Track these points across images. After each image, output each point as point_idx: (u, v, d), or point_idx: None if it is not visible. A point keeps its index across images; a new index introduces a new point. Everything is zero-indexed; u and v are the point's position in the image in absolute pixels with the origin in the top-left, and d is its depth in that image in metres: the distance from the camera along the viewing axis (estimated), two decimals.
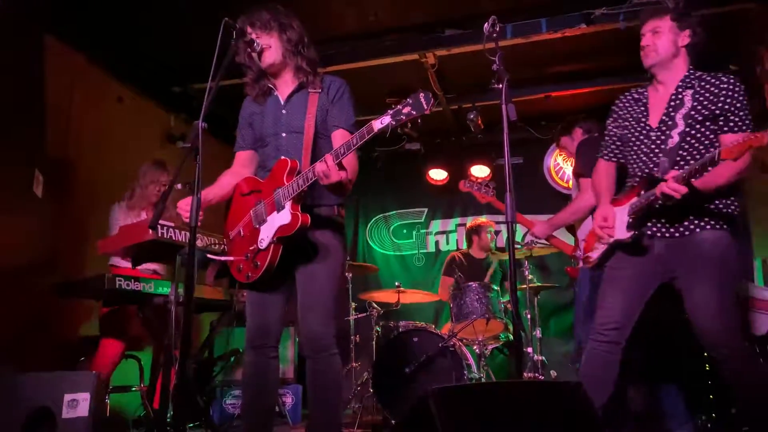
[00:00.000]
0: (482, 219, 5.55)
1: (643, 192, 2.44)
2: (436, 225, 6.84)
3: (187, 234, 2.88)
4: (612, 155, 2.71)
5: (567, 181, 6.10)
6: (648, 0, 3.88)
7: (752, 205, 5.36)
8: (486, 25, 2.26)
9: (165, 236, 3.06)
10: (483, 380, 4.06)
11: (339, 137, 2.45)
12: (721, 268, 2.34)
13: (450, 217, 6.77)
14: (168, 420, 3.04)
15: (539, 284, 4.62)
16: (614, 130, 2.69)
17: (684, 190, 2.21)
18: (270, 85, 2.54)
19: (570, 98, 5.33)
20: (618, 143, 2.68)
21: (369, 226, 7.02)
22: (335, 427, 2.39)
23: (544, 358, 4.37)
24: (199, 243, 3.19)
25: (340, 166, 2.20)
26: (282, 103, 2.51)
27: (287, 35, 2.45)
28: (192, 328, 2.15)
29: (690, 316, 2.36)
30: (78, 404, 2.63)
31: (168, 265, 3.59)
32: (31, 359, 3.42)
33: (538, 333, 4.42)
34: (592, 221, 3.34)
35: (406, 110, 2.06)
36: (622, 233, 2.48)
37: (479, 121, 5.25)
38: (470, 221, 5.75)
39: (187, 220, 2.23)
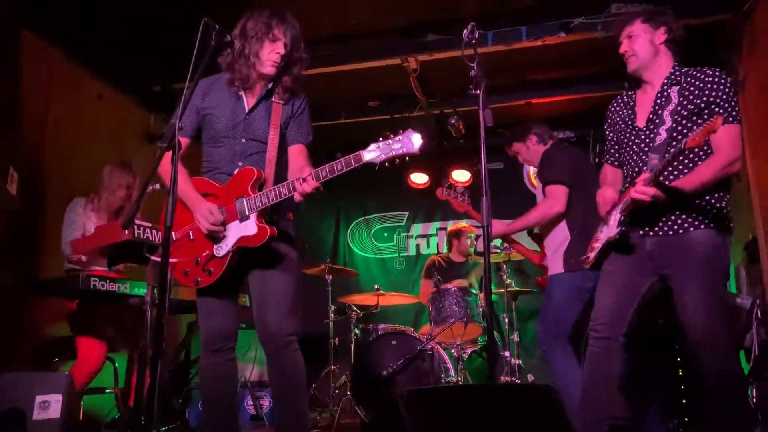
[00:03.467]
0: (463, 224, 5.58)
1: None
2: (417, 228, 6.86)
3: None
4: (614, 159, 2.75)
5: None
6: (624, 11, 3.95)
7: None
8: (465, 31, 2.28)
9: (142, 236, 3.03)
10: (460, 384, 4.08)
11: (297, 152, 2.49)
12: (711, 270, 2.35)
13: (431, 220, 6.80)
14: (142, 422, 3.01)
15: (518, 288, 4.65)
16: (610, 134, 2.74)
17: (653, 191, 2.23)
18: (240, 86, 2.46)
19: (550, 105, 5.39)
20: (616, 147, 2.72)
21: (350, 228, 7.02)
22: (304, 424, 2.38)
23: (521, 361, 4.40)
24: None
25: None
26: (246, 109, 2.47)
27: (296, 54, 2.46)
28: (167, 329, 2.13)
29: (679, 314, 2.39)
30: (50, 406, 2.60)
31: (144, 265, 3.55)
32: (1, 360, 3.35)
33: (515, 337, 4.45)
34: (561, 232, 3.33)
35: (396, 146, 2.13)
36: (611, 231, 2.50)
37: (461, 126, 5.28)
38: (451, 225, 5.78)
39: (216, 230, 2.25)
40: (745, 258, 4.56)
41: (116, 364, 3.79)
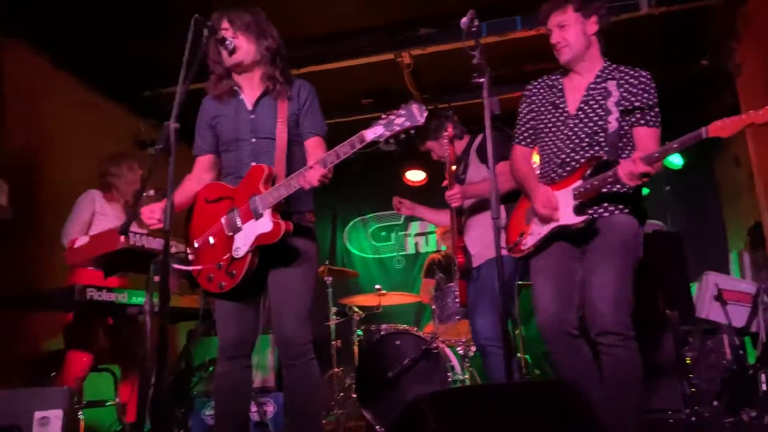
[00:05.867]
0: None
1: (588, 174, 2.35)
2: (415, 227, 6.80)
3: (160, 242, 2.77)
4: (529, 140, 2.66)
5: None
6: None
7: (726, 198, 5.44)
8: (464, 19, 2.22)
9: (137, 244, 2.95)
10: (467, 382, 4.03)
11: (314, 144, 2.43)
12: (627, 255, 2.34)
13: None
14: None
15: (520, 282, 4.59)
16: (529, 115, 2.64)
17: (653, 171, 2.17)
18: (235, 87, 2.46)
19: None
20: (531, 130, 2.64)
21: (347, 229, 6.95)
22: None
23: (528, 356, 4.35)
24: (172, 250, 3.08)
25: None
26: (249, 107, 2.44)
27: (266, 43, 2.40)
28: (168, 338, 2.06)
29: (585, 295, 2.34)
30: (49, 422, 2.53)
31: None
32: None
33: (521, 331, 4.40)
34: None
35: (399, 121, 2.04)
36: (569, 218, 2.36)
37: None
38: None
39: (153, 227, 2.19)
40: (748, 243, 4.54)
41: (116, 376, 3.71)
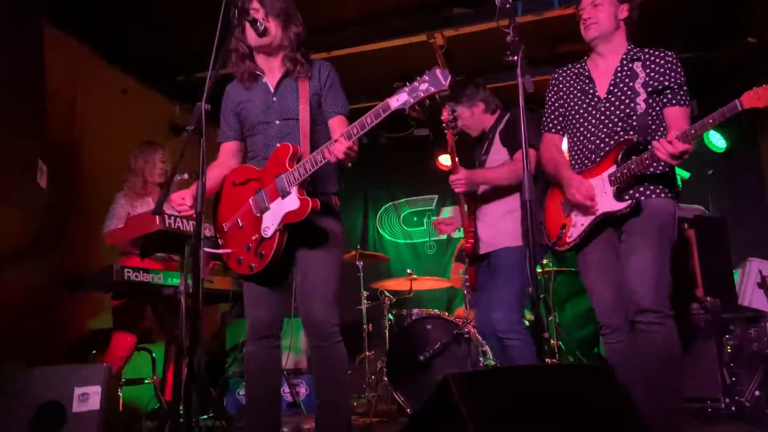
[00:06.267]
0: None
1: (620, 158, 2.34)
2: (447, 212, 6.74)
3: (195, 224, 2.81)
4: (559, 128, 2.65)
5: None
6: None
7: None
8: None
9: (172, 226, 3.00)
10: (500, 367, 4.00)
11: (338, 123, 2.42)
12: (664, 237, 2.35)
13: None
14: (181, 412, 3.00)
15: (555, 268, 4.53)
16: (557, 102, 2.64)
17: (692, 147, 2.15)
18: (257, 71, 2.46)
19: None
20: (560, 117, 2.64)
21: (378, 214, 6.95)
22: (344, 415, 2.36)
23: (561, 343, 4.29)
24: (207, 233, 3.12)
25: None
26: (272, 90, 2.44)
27: (295, 30, 2.41)
28: (202, 319, 2.09)
29: (624, 277, 2.34)
30: (89, 398, 2.59)
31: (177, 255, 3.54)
32: (39, 354, 3.39)
33: (554, 318, 4.34)
34: (516, 199, 3.04)
35: (423, 87, 1.99)
36: (611, 205, 2.34)
37: None
38: None
39: (182, 214, 2.20)
40: None
41: (153, 355, 3.80)
